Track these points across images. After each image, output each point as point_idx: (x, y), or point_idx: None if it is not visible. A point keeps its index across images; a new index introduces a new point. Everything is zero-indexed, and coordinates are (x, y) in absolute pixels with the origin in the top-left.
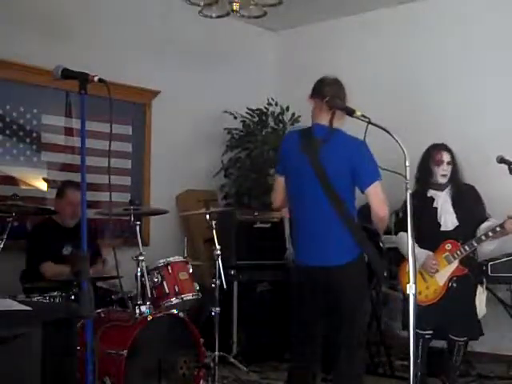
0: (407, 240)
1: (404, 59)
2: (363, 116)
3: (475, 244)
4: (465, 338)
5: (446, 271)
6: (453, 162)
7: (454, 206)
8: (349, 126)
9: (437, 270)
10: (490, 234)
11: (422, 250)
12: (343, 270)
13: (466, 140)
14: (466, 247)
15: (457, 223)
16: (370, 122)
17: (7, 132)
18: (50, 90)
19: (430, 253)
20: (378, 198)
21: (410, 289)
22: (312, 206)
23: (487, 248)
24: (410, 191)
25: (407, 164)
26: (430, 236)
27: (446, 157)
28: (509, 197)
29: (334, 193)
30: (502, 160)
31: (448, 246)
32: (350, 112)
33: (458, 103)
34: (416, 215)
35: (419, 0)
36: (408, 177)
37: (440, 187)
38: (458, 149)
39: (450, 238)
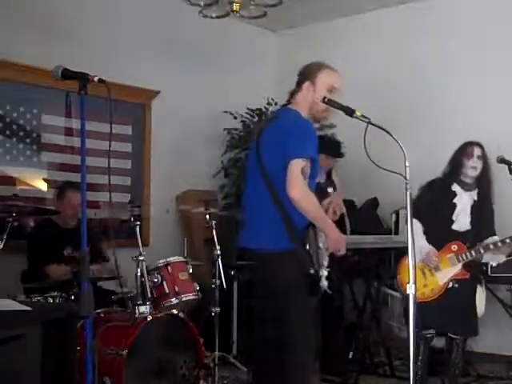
0: (415, 229)
1: (404, 59)
2: (363, 116)
3: (482, 251)
4: (463, 337)
5: (447, 272)
6: (484, 159)
7: (473, 210)
8: (349, 127)
9: (437, 267)
10: (499, 244)
11: (427, 243)
12: (279, 257)
13: (469, 139)
14: (473, 252)
15: (469, 227)
16: (369, 123)
17: (7, 132)
18: (50, 90)
19: (434, 249)
20: (290, 176)
21: (410, 289)
22: (252, 189)
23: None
24: (409, 191)
25: (407, 164)
26: (439, 231)
27: (477, 151)
28: (509, 197)
29: (267, 173)
30: (502, 160)
31: (454, 247)
32: (350, 112)
33: (458, 103)
34: (434, 204)
35: (419, 0)
36: (408, 177)
37: (466, 186)
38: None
39: (458, 238)
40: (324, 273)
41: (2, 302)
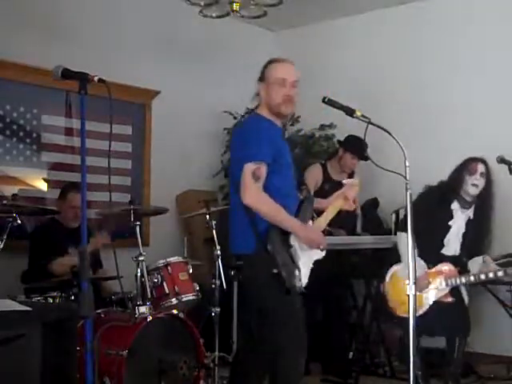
0: (406, 241)
1: (405, 59)
2: (363, 116)
3: (472, 280)
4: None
5: (432, 295)
6: (487, 176)
7: (465, 233)
8: (349, 127)
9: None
10: (491, 275)
11: (423, 263)
12: (249, 259)
13: (468, 140)
14: (463, 280)
15: (458, 253)
16: (370, 123)
17: (7, 132)
18: (50, 90)
19: (427, 270)
20: (242, 182)
21: (410, 289)
22: (231, 194)
23: None
24: (410, 191)
25: (407, 164)
26: (428, 252)
27: (480, 168)
28: (509, 197)
29: (234, 178)
30: (502, 160)
31: (445, 269)
32: (350, 112)
33: (460, 103)
34: (428, 226)
35: (420, 0)
36: (408, 177)
37: (465, 204)
38: (460, 149)
39: (446, 262)
40: (299, 272)
41: (2, 302)
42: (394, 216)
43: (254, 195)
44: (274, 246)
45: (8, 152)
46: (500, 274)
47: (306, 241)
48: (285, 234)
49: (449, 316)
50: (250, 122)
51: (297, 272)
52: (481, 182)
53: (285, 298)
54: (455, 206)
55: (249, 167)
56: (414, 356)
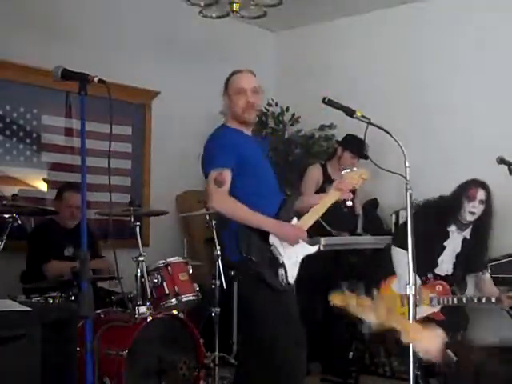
0: (401, 257)
1: (404, 60)
2: (363, 117)
3: (464, 301)
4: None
5: (424, 310)
6: (486, 202)
7: (460, 253)
8: (349, 127)
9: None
10: (484, 301)
11: (419, 279)
12: (237, 267)
13: (468, 140)
14: (455, 300)
15: (450, 272)
16: (370, 123)
17: (7, 132)
18: (50, 91)
19: (421, 286)
20: (207, 189)
21: (410, 289)
22: None
23: None
24: (410, 191)
25: (407, 165)
26: (421, 270)
27: (480, 194)
28: (509, 198)
29: None
30: (502, 161)
31: (438, 288)
32: (351, 113)
33: (460, 103)
34: (424, 243)
35: (421, 0)
36: (408, 177)
37: (462, 226)
38: (460, 149)
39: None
40: (284, 269)
41: (3, 302)
42: (394, 216)
43: (218, 200)
44: (246, 247)
45: (8, 152)
46: (493, 300)
47: (282, 237)
48: (263, 234)
49: (446, 314)
50: (213, 133)
51: (281, 270)
52: (479, 209)
53: (270, 297)
54: (452, 228)
55: (211, 175)
56: (413, 356)
